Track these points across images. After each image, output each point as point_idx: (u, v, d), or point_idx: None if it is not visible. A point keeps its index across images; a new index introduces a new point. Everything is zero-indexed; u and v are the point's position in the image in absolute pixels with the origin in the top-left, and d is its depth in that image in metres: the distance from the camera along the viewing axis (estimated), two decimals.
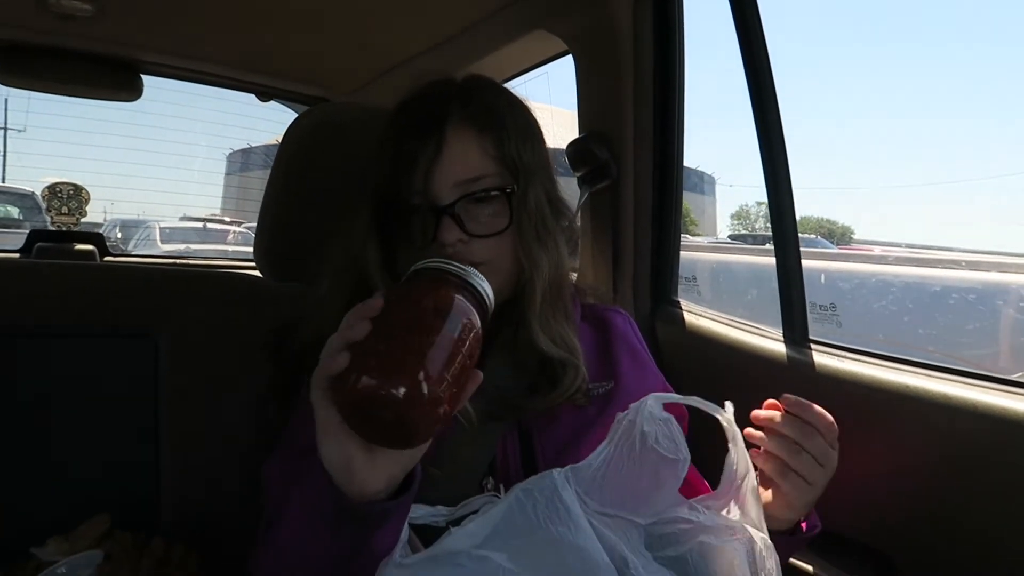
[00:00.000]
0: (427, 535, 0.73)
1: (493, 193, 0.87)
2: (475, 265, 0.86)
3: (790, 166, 1.16)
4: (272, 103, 2.40)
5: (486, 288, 0.71)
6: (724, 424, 0.81)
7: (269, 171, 1.12)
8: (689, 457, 0.76)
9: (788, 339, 1.16)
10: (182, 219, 8.67)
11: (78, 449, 0.96)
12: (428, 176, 0.85)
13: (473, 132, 0.88)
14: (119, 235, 7.93)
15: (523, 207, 0.89)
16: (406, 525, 0.70)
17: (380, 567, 0.67)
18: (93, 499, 0.91)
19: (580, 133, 1.43)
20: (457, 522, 0.73)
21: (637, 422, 0.76)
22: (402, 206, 0.86)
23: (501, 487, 0.75)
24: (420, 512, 0.73)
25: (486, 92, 0.92)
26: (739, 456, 0.80)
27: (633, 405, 0.78)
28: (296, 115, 1.17)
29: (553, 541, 0.68)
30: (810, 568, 1.02)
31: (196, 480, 1.00)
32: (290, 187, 1.09)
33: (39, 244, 2.09)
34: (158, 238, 7.32)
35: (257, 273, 1.19)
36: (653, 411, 0.77)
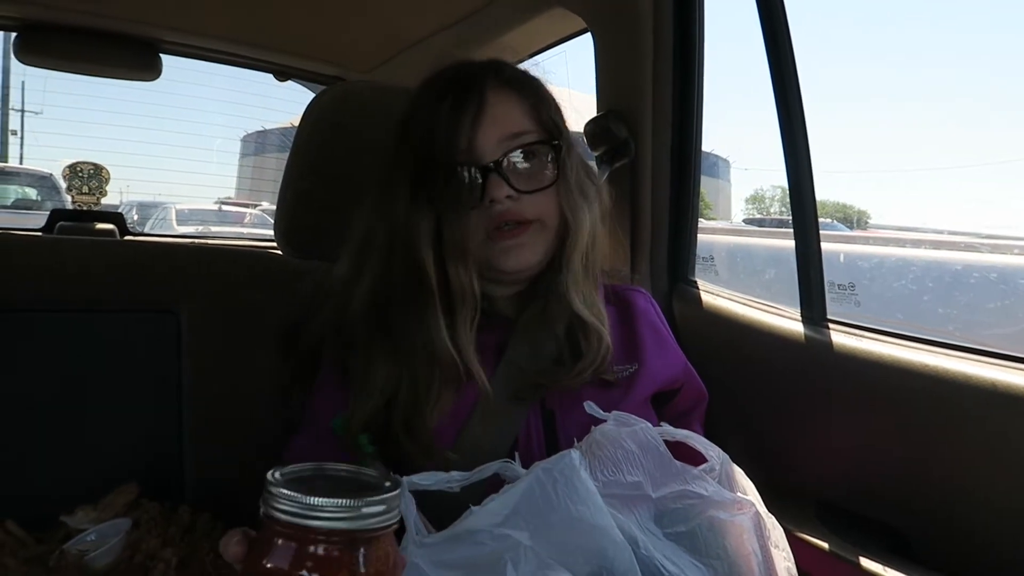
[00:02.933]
0: (442, 506, 0.74)
1: (538, 147, 0.89)
2: (527, 223, 0.88)
3: (810, 145, 1.16)
4: (288, 84, 2.41)
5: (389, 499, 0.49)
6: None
7: (284, 153, 1.13)
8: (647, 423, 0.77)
9: (806, 318, 1.15)
10: (218, 201, 8.63)
11: (103, 423, 0.97)
12: (472, 134, 0.86)
13: (512, 94, 0.90)
14: (136, 216, 7.95)
15: (567, 162, 0.91)
16: (414, 506, 0.70)
17: (400, 548, 0.67)
18: (120, 471, 0.93)
19: (599, 111, 1.43)
20: (470, 488, 0.74)
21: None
22: (447, 168, 0.86)
23: (516, 455, 0.75)
24: (434, 478, 0.73)
25: (516, 68, 0.94)
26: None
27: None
28: (312, 95, 1.17)
29: (572, 520, 0.69)
30: (826, 545, 1.02)
31: (218, 453, 1.01)
32: (310, 164, 1.10)
33: (60, 223, 2.12)
34: (174, 220, 7.35)
35: (277, 252, 1.20)
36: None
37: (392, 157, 0.92)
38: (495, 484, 0.73)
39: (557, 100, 0.95)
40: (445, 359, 0.85)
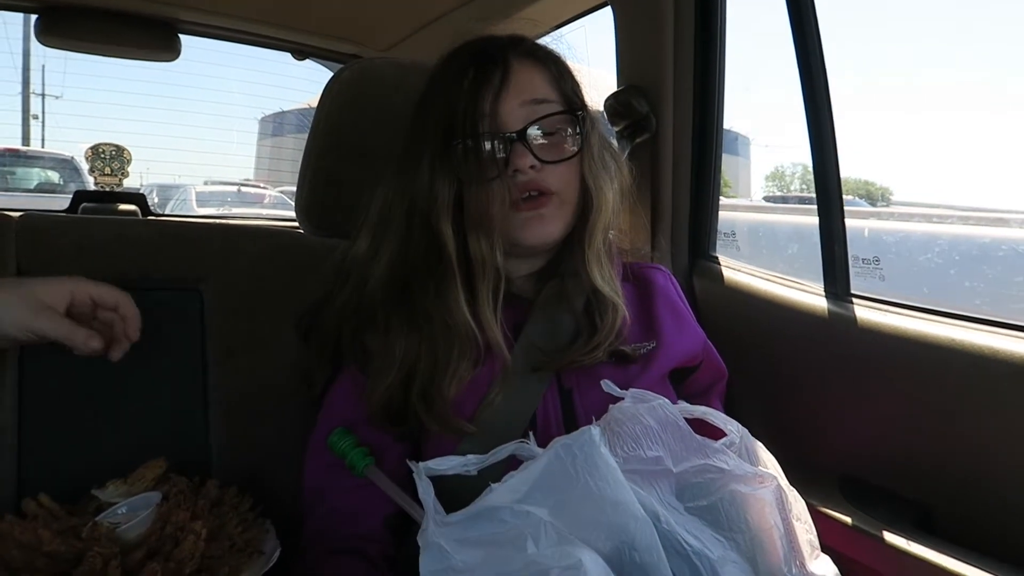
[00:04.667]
0: (459, 490, 0.75)
1: (562, 117, 0.89)
2: (548, 194, 0.88)
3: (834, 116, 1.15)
4: (305, 64, 2.41)
5: None
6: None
7: (301, 134, 1.13)
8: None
9: (829, 293, 1.15)
10: (205, 183, 8.74)
11: (131, 399, 0.98)
12: (496, 102, 0.86)
13: (536, 63, 0.90)
14: (156, 199, 8.01)
15: (591, 135, 0.91)
16: (432, 491, 0.71)
17: (421, 530, 0.68)
18: (148, 446, 0.94)
19: (619, 86, 1.42)
20: (488, 470, 0.75)
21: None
22: (470, 138, 0.86)
23: (531, 434, 0.76)
24: (451, 463, 0.74)
25: (538, 43, 0.94)
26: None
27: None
28: (330, 74, 1.17)
29: (592, 495, 0.69)
30: (849, 520, 1.02)
31: (243, 429, 1.02)
32: (331, 142, 1.10)
33: (84, 204, 2.14)
34: (194, 201, 7.40)
35: (300, 231, 1.20)
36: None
37: (411, 130, 0.92)
38: (513, 464, 0.74)
39: (578, 76, 0.95)
40: (463, 331, 0.86)
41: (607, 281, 0.93)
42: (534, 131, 0.87)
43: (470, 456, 0.75)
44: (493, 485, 0.71)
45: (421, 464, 0.73)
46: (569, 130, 0.89)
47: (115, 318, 0.85)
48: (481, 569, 0.66)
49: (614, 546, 0.69)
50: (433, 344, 0.86)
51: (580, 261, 0.92)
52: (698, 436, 0.77)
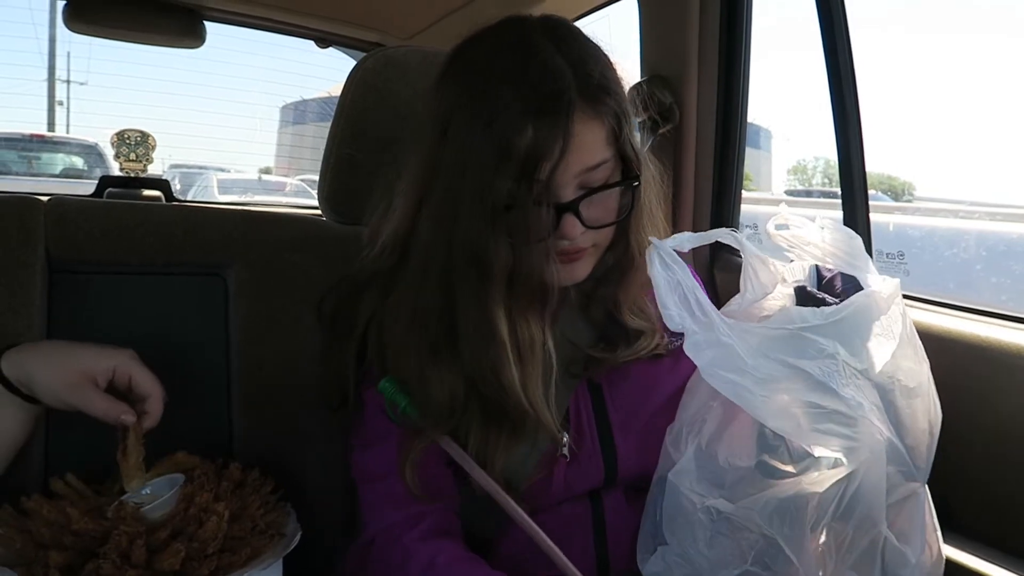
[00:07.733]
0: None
1: (616, 184, 0.84)
2: (580, 251, 0.84)
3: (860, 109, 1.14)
4: (327, 53, 2.42)
5: None
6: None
7: (322, 123, 1.13)
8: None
9: None
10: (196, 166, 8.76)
11: None
12: (554, 171, 0.77)
13: (597, 118, 0.79)
14: (178, 186, 8.08)
15: (641, 195, 0.86)
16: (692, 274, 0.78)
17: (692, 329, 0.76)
18: (171, 429, 0.95)
19: (643, 76, 1.41)
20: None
21: None
22: (521, 207, 0.78)
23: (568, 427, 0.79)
24: (678, 239, 0.80)
25: (594, 59, 0.82)
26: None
27: None
28: (352, 63, 1.17)
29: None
30: None
31: (265, 414, 1.04)
32: (354, 129, 1.10)
33: (109, 189, 2.17)
34: (216, 188, 7.45)
35: (323, 218, 1.21)
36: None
37: (447, 166, 0.81)
38: None
39: (625, 93, 0.85)
40: (517, 413, 0.82)
41: (637, 314, 0.91)
42: (586, 200, 0.81)
43: (685, 233, 0.81)
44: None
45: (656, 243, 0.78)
46: (621, 194, 0.84)
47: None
48: (775, 385, 0.70)
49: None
50: (486, 420, 0.83)
51: (613, 290, 0.91)
52: None
